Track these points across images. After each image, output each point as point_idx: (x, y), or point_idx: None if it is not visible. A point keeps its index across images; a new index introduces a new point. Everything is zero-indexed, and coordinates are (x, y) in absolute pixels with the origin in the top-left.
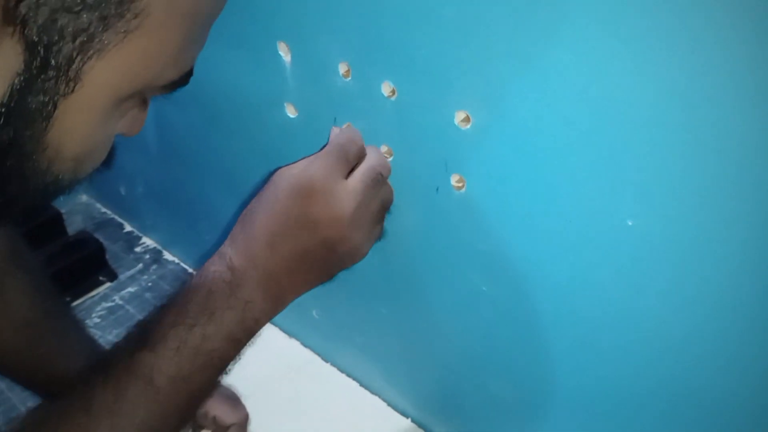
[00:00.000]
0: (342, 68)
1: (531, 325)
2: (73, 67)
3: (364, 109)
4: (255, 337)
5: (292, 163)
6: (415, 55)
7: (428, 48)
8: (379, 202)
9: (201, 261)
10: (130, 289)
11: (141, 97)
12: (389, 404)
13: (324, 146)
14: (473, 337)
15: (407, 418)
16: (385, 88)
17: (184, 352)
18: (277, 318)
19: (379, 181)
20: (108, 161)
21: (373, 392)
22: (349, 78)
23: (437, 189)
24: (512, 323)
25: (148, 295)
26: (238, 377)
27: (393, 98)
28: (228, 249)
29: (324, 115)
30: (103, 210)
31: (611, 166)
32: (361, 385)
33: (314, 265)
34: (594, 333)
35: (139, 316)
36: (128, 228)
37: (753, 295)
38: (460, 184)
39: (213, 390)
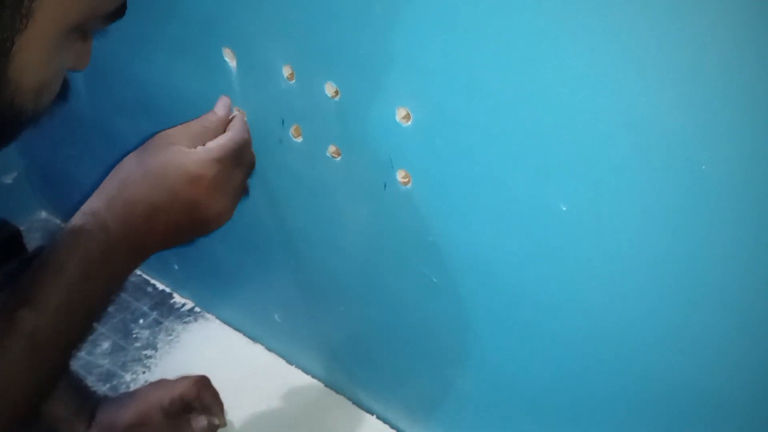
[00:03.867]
0: (286, 71)
1: (482, 313)
2: (24, 4)
3: (310, 111)
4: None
5: (168, 129)
6: (354, 55)
7: (366, 48)
8: (241, 169)
9: (164, 272)
10: None
11: (84, 30)
12: (355, 402)
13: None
14: (430, 329)
15: (373, 415)
16: (329, 89)
17: (62, 310)
18: (240, 323)
19: (239, 150)
20: (63, 94)
21: (338, 392)
22: (294, 81)
23: (385, 185)
24: (464, 313)
25: (110, 307)
26: None
27: (337, 98)
28: (103, 211)
29: (271, 118)
30: (63, 225)
31: (543, 155)
32: (327, 385)
33: (179, 226)
34: (539, 316)
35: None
36: None
37: (683, 273)
38: (406, 180)
39: (86, 340)
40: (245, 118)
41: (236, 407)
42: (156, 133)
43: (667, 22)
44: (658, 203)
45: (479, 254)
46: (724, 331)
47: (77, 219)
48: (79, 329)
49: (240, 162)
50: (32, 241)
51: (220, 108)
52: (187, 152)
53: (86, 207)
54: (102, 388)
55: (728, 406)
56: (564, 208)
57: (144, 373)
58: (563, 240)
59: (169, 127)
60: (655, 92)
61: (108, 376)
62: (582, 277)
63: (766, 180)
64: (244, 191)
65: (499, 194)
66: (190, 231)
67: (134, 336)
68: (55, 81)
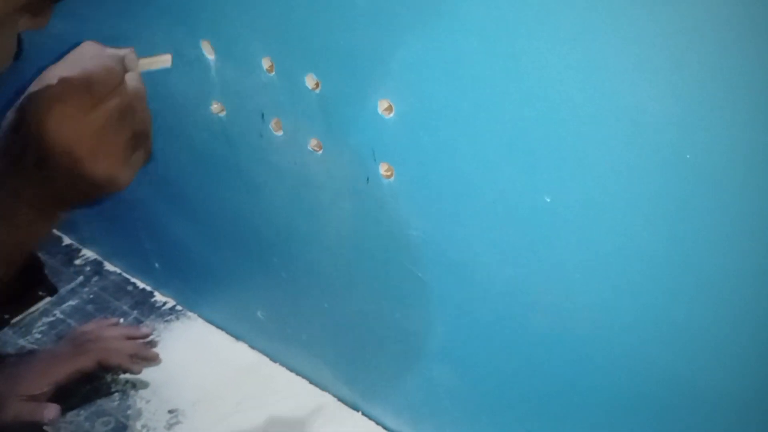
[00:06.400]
0: (265, 63)
1: (467, 308)
2: None
3: (290, 103)
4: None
5: (57, 66)
6: (335, 46)
7: (347, 39)
8: (131, 131)
9: (145, 270)
10: (71, 303)
11: (31, 9)
12: (340, 399)
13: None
14: (415, 325)
15: (358, 411)
16: (309, 81)
17: None
18: (223, 322)
19: (128, 113)
20: (17, 55)
21: (322, 389)
22: (273, 73)
23: (367, 179)
24: (449, 307)
25: (90, 307)
26: (187, 384)
27: (317, 91)
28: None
29: (251, 112)
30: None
31: (527, 147)
32: (311, 382)
33: (68, 190)
34: (525, 310)
35: None
36: (67, 241)
37: (669, 263)
38: (389, 173)
39: None
40: (130, 54)
41: (220, 406)
42: None
43: (650, 13)
44: (644, 193)
45: (464, 248)
46: (710, 322)
47: None
48: None
49: (100, 96)
50: None
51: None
52: (40, 87)
53: None
54: (84, 388)
55: (707, 396)
56: (548, 200)
57: (125, 373)
58: (548, 231)
59: None
60: (640, 83)
61: (89, 377)
62: (567, 269)
63: (751, 169)
64: (127, 134)
65: (483, 186)
66: (67, 182)
67: None
68: (5, 49)
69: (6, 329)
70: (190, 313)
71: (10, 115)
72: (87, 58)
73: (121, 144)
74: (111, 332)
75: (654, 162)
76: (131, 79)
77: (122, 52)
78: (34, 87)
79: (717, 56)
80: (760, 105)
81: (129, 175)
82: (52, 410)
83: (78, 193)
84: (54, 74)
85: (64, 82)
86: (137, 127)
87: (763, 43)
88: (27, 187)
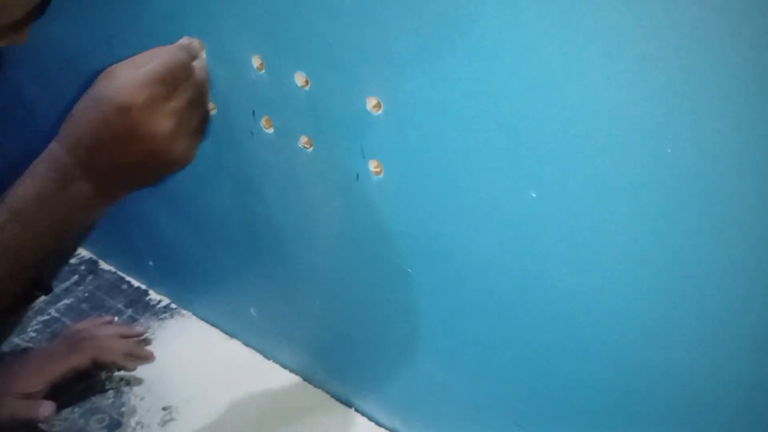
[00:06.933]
0: (255, 61)
1: (457, 303)
2: None
3: (280, 101)
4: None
5: (123, 64)
6: (324, 43)
7: (336, 36)
8: (201, 113)
9: (139, 269)
10: (66, 301)
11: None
12: (333, 396)
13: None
14: (405, 321)
15: (351, 408)
16: (299, 79)
17: (17, 250)
18: (217, 319)
19: (172, 72)
20: None
21: (315, 385)
22: (263, 71)
23: (357, 176)
24: (438, 302)
25: (84, 306)
26: (182, 381)
27: (307, 88)
28: (58, 150)
29: (241, 110)
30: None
31: (513, 143)
32: (305, 379)
33: (128, 158)
34: (513, 305)
35: None
36: None
37: (653, 258)
38: (378, 170)
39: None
40: (194, 43)
41: (214, 404)
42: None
43: (630, 8)
44: (626, 188)
45: (452, 244)
46: (697, 317)
47: (37, 161)
48: (30, 271)
49: (177, 85)
50: None
51: (180, 41)
52: (118, 80)
53: (47, 150)
54: (79, 386)
55: (694, 393)
56: (534, 195)
57: (120, 370)
58: (534, 227)
59: None
60: (621, 78)
61: (83, 374)
62: (554, 264)
63: (732, 164)
64: (198, 117)
65: (471, 182)
66: (142, 163)
67: None
68: None
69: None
70: (184, 311)
71: (83, 105)
72: (158, 52)
73: (194, 126)
74: (105, 330)
75: (636, 157)
76: (199, 68)
77: (185, 41)
78: (105, 80)
79: (695, 51)
80: (739, 99)
81: (195, 153)
82: (47, 408)
83: (149, 174)
84: (132, 66)
85: (147, 73)
86: (192, 91)
87: (742, 39)
88: (95, 171)
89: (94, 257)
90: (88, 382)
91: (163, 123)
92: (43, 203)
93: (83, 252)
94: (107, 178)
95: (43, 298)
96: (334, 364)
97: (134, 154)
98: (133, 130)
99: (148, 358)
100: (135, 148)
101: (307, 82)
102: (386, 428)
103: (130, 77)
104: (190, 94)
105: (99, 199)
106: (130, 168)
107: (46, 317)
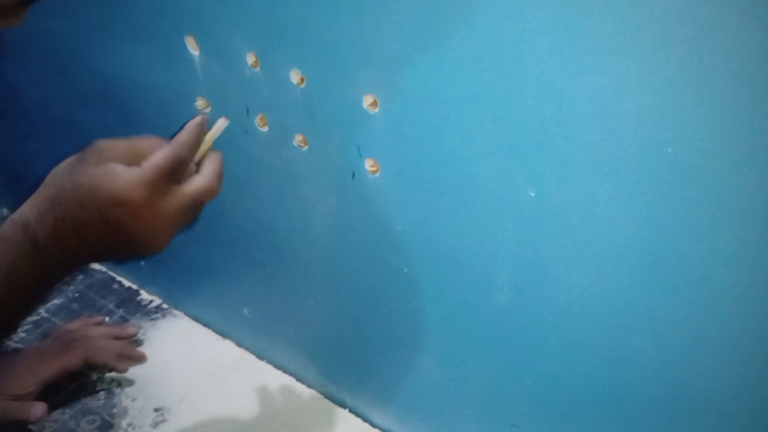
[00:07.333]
0: (250, 59)
1: (452, 302)
2: None
3: (275, 99)
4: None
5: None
6: (319, 40)
7: (331, 33)
8: (192, 217)
9: (130, 268)
10: (57, 301)
11: None
12: (327, 396)
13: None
14: (400, 320)
15: (345, 408)
16: (294, 76)
17: None
18: (209, 319)
19: (198, 207)
20: None
21: (309, 385)
22: (258, 68)
23: (353, 175)
24: (433, 301)
25: (75, 305)
26: (174, 382)
27: (302, 86)
28: (33, 224)
29: (236, 108)
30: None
31: (511, 141)
32: (298, 379)
33: (110, 245)
34: (510, 304)
35: None
36: None
37: (652, 255)
38: (375, 168)
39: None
40: (199, 128)
41: (207, 405)
42: (97, 140)
43: (630, 8)
44: (627, 187)
45: (449, 243)
46: (693, 315)
47: (7, 227)
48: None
49: (178, 180)
50: None
51: (189, 126)
52: (118, 172)
53: (17, 215)
54: (70, 387)
55: (691, 391)
56: (532, 194)
57: (111, 371)
58: (532, 225)
59: (111, 140)
60: (622, 77)
61: (75, 375)
62: (551, 262)
63: (732, 163)
64: (189, 218)
65: (468, 181)
66: (122, 250)
67: None
68: None
69: None
70: (176, 311)
71: (70, 182)
72: (157, 143)
73: (180, 226)
74: (97, 331)
75: (636, 156)
76: (207, 176)
77: (184, 137)
78: (102, 168)
79: (696, 51)
80: (739, 99)
81: (169, 238)
82: (38, 408)
83: (122, 255)
84: (130, 152)
85: (148, 170)
86: (199, 212)
87: (743, 37)
88: (71, 249)
89: None
90: (79, 382)
91: (153, 222)
92: (11, 275)
93: None
94: (82, 257)
95: None
96: (328, 364)
97: (118, 242)
98: (124, 224)
99: (140, 359)
100: (120, 237)
101: (302, 80)
102: (380, 429)
103: (131, 172)
104: (186, 200)
105: (67, 270)
106: (108, 249)
107: (36, 317)
